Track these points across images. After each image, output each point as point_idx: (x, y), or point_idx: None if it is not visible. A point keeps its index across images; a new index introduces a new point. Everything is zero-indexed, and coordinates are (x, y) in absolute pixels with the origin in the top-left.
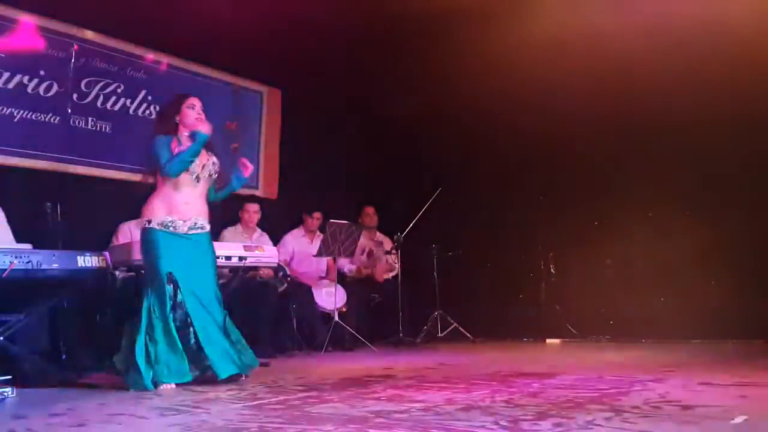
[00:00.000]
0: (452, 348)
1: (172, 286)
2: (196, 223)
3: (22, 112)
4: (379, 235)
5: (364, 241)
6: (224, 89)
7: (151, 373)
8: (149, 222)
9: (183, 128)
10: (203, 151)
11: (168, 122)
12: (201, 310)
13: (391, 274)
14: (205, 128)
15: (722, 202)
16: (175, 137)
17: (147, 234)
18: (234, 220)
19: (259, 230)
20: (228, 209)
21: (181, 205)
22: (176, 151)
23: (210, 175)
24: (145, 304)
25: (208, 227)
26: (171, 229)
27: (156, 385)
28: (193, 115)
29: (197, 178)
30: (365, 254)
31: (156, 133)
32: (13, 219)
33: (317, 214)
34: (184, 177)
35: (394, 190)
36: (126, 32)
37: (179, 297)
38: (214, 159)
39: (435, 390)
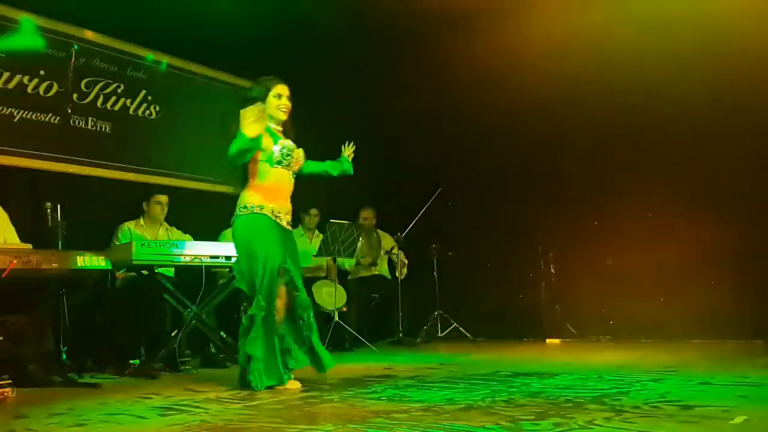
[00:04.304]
0: (452, 348)
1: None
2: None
3: (22, 112)
4: (378, 232)
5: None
6: (224, 89)
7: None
8: (261, 207)
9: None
10: (289, 142)
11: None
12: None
13: (404, 270)
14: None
15: (722, 202)
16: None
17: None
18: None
19: None
20: (227, 209)
21: (283, 197)
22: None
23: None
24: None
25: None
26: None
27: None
28: (276, 104)
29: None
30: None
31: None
32: (13, 219)
33: (314, 211)
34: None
35: (394, 190)
36: (126, 32)
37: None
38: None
39: (435, 390)
